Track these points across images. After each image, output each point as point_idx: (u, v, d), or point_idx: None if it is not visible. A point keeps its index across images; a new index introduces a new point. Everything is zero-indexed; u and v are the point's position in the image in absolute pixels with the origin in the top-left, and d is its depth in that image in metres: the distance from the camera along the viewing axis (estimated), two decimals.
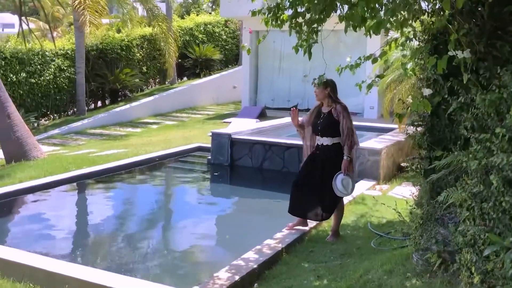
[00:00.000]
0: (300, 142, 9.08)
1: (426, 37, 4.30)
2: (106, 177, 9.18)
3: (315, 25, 4.06)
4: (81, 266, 4.91)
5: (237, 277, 4.67)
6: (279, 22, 4.42)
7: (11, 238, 6.59)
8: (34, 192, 7.90)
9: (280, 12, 4.29)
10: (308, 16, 4.06)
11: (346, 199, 7.42)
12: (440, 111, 4.33)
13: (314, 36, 4.19)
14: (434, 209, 4.16)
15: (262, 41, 4.83)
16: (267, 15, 4.25)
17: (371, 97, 16.30)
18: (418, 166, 4.54)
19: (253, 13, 4.43)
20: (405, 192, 7.95)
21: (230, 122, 14.68)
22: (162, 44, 19.26)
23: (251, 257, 5.17)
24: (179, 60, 22.44)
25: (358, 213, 6.94)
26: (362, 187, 8.21)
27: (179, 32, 22.28)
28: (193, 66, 23.20)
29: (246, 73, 18.46)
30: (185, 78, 23.63)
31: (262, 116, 16.16)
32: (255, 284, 4.78)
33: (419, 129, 4.54)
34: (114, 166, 9.49)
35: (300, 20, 4.14)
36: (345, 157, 5.74)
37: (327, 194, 5.85)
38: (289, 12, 4.45)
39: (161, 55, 20.47)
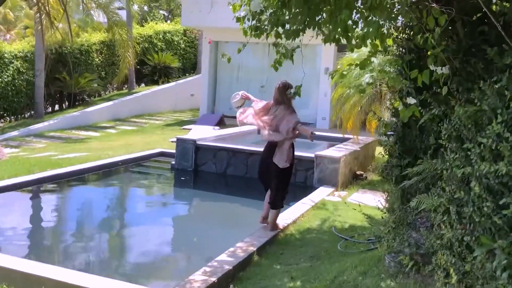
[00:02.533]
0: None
1: (400, 52, 4.41)
2: (70, 180, 8.89)
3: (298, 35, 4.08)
4: (56, 267, 4.71)
5: (213, 279, 4.60)
6: (258, 32, 4.42)
7: None
8: None
9: (260, 22, 4.29)
10: (289, 26, 4.07)
11: (308, 205, 7.52)
12: (411, 122, 4.45)
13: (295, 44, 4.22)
14: (405, 214, 4.26)
15: (242, 49, 4.75)
16: (251, 22, 4.24)
17: (323, 108, 16.62)
18: (389, 173, 4.64)
19: (238, 19, 4.40)
20: (362, 198, 8.13)
21: (190, 129, 14.56)
22: (121, 50, 18.82)
23: (225, 259, 5.12)
24: (138, 67, 22.10)
25: (321, 217, 7.01)
26: (322, 193, 8.31)
27: (139, 39, 21.95)
28: (151, 73, 22.90)
29: (205, 82, 18.40)
30: (143, 85, 23.27)
31: (220, 123, 16.13)
32: (231, 286, 4.74)
33: (390, 138, 4.65)
34: (78, 169, 9.19)
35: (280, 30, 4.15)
36: None
37: None
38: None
39: (120, 61, 20.05)
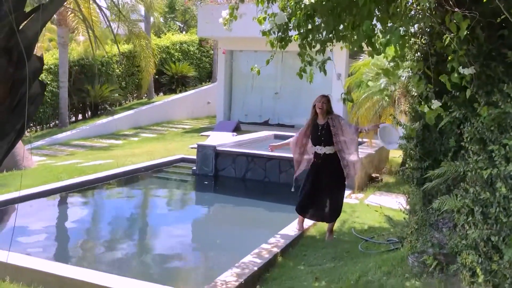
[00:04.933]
0: (281, 154, 9.19)
1: (419, 57, 4.38)
2: (97, 186, 8.96)
3: (325, 45, 4.07)
4: (90, 270, 4.73)
5: (241, 280, 4.60)
6: (283, 43, 4.42)
7: (17, 244, 6.30)
8: (29, 200, 7.62)
9: (285, 34, 4.29)
10: (318, 36, 4.06)
11: None
12: (431, 125, 4.41)
13: (323, 54, 4.21)
14: (428, 215, 4.21)
15: (271, 60, 4.71)
16: (277, 34, 4.24)
17: (338, 113, 16.54)
18: (410, 175, 4.60)
19: (264, 33, 4.40)
20: (379, 200, 8.08)
21: (208, 136, 14.58)
22: (141, 60, 18.89)
23: (251, 260, 5.12)
24: (156, 76, 22.25)
25: (340, 219, 6.91)
26: None
27: (156, 50, 22.10)
28: (169, 82, 23.05)
29: (221, 90, 18.46)
30: (161, 94, 23.41)
31: (236, 130, 16.15)
32: (257, 286, 4.73)
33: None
34: (104, 175, 9.26)
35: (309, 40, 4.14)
36: (357, 159, 6.03)
37: (334, 197, 6.06)
38: (292, 33, 4.47)
39: (139, 71, 20.25)
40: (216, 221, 7.93)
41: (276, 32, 4.28)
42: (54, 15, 16.69)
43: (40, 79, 2.08)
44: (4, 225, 7.02)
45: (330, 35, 3.90)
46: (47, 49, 23.31)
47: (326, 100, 5.98)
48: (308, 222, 6.48)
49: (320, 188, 6.02)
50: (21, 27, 1.88)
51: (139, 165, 10.34)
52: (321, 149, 5.96)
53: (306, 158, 6.18)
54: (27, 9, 1.92)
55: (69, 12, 15.26)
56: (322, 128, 5.94)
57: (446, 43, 3.42)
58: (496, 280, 3.08)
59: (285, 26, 4.21)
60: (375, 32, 3.78)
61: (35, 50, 1.98)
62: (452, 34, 3.32)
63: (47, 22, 2.06)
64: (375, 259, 4.86)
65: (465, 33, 3.02)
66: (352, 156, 5.94)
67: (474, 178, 3.33)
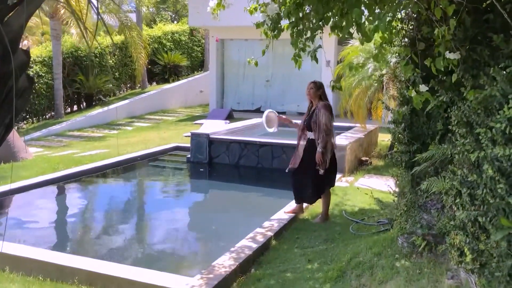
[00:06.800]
0: (274, 140, 9.19)
1: (406, 43, 4.33)
2: (94, 175, 8.90)
3: (316, 32, 4.00)
4: (88, 258, 4.71)
5: (237, 263, 4.59)
6: (276, 32, 4.35)
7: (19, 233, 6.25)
8: (28, 190, 7.55)
9: (278, 24, 4.22)
10: (308, 24, 3.99)
11: None
12: (419, 109, 4.37)
13: (312, 42, 4.14)
14: (416, 197, 4.20)
15: (266, 50, 4.58)
16: (270, 25, 4.17)
17: (329, 99, 16.51)
18: (399, 159, 4.57)
19: (257, 25, 4.31)
20: (369, 183, 8.08)
21: (202, 124, 14.49)
22: (132, 51, 18.71)
23: (246, 245, 5.10)
24: (149, 66, 22.06)
25: (331, 202, 6.93)
26: None
27: (149, 40, 21.88)
28: (162, 72, 22.86)
29: (213, 79, 18.33)
30: (154, 83, 23.22)
31: (229, 117, 16.06)
32: (252, 270, 4.72)
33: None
34: (101, 165, 9.20)
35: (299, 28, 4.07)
36: (318, 149, 5.83)
37: (309, 181, 5.95)
38: (284, 22, 4.39)
39: (132, 62, 20.03)
40: (212, 207, 7.90)
41: (269, 24, 4.20)
42: (47, 7, 16.42)
43: (29, 72, 2.02)
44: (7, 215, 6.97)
45: (320, 23, 3.83)
46: (40, 42, 23.05)
47: (312, 86, 5.96)
48: None
49: (301, 171, 6.03)
50: (5, 20, 1.82)
51: (135, 154, 10.27)
52: (308, 134, 6.02)
53: (301, 144, 6.15)
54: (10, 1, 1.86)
55: (59, 4, 15.01)
56: (309, 113, 5.96)
57: (433, 28, 3.37)
58: (483, 259, 3.08)
59: (277, 17, 4.14)
60: (363, 19, 3.72)
61: (21, 43, 1.91)
62: (441, 25, 3.27)
63: (32, 14, 1.99)
64: (365, 241, 4.86)
65: (456, 19, 2.97)
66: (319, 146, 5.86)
67: (461, 160, 3.30)
